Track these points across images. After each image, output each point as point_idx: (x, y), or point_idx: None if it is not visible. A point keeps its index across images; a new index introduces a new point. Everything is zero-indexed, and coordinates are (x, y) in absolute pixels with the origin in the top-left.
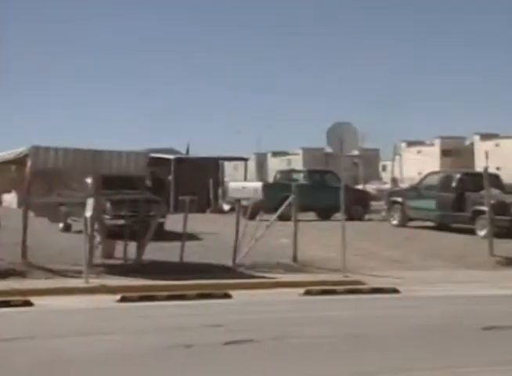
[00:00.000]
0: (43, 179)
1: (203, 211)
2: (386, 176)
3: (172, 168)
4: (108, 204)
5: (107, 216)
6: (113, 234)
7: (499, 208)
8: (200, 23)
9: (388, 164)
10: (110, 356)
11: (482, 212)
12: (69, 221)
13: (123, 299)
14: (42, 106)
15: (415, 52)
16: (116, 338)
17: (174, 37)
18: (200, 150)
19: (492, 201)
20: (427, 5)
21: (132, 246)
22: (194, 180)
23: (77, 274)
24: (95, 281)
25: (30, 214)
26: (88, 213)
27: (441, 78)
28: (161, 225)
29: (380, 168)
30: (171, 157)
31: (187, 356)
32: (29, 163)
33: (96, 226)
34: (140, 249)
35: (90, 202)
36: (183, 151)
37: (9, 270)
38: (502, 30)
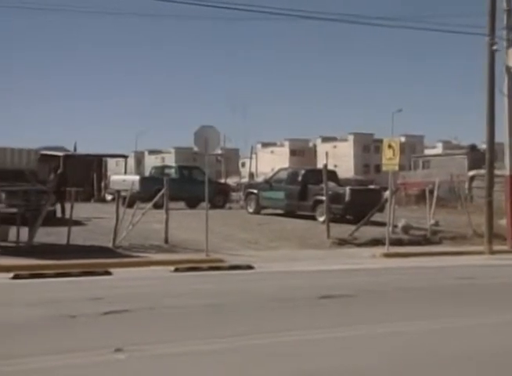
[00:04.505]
0: None
1: (88, 200)
2: (244, 172)
3: (61, 163)
4: (2, 195)
5: (1, 205)
6: (7, 220)
7: (335, 198)
8: None
9: (247, 161)
10: (3, 325)
11: (321, 201)
12: None
13: (16, 277)
14: None
15: (272, 62)
16: (9, 309)
17: None
18: (87, 148)
19: (330, 192)
20: None
21: (25, 231)
22: (80, 174)
23: None
24: None
25: None
26: None
27: (291, 86)
28: (53, 212)
29: (240, 165)
30: (60, 153)
31: (71, 324)
32: None
33: None
34: (31, 233)
35: None
36: (72, 149)
37: None
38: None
